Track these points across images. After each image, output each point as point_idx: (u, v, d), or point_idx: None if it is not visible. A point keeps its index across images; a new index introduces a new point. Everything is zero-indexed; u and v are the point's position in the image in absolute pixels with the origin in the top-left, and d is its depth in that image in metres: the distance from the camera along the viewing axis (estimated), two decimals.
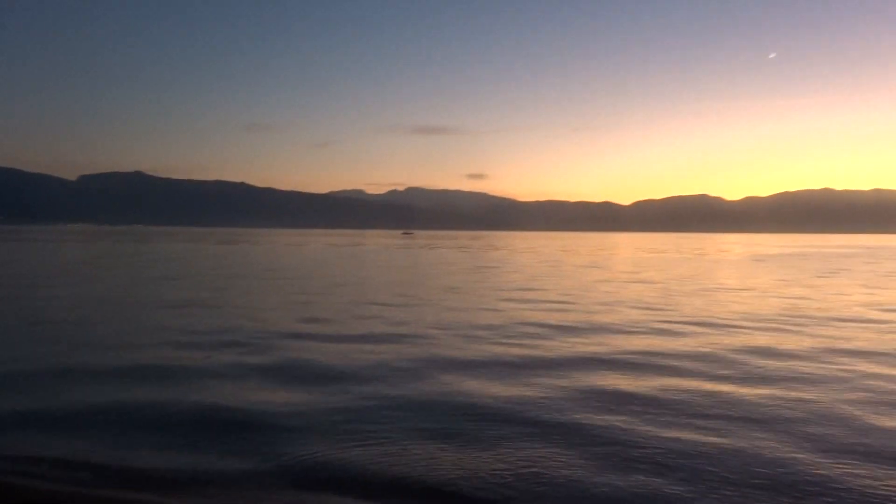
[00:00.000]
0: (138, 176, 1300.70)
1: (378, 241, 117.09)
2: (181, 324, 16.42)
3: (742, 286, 29.70)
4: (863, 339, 15.18)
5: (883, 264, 51.35)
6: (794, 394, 9.97)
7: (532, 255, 63.11)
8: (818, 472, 6.90)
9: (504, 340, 14.47)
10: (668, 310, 20.33)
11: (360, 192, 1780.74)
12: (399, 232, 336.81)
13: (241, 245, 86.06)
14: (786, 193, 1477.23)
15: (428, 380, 10.73)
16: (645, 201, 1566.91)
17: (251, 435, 7.95)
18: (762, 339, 14.89)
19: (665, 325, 17.03)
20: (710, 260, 58.07)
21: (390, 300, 22.11)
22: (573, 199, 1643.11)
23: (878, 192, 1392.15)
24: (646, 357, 12.71)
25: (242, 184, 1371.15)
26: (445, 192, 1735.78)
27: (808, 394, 10.01)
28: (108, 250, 65.92)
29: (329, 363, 11.88)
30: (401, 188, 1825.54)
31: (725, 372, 11.46)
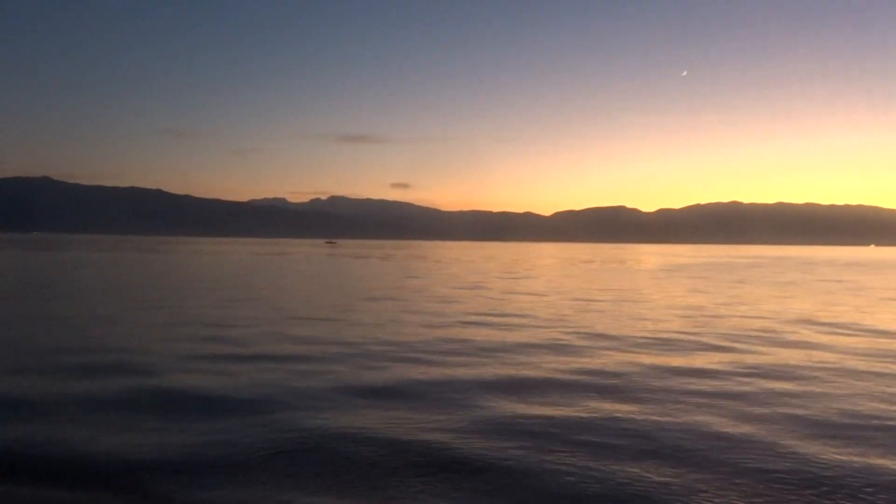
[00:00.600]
0: (46, 181, 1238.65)
1: (300, 251, 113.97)
2: (46, 343, 14.31)
3: (651, 297, 29.52)
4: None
5: (786, 274, 53.00)
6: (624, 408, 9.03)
7: (459, 266, 62.25)
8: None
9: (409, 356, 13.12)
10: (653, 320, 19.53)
11: (283, 200, 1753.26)
12: (322, 241, 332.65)
13: (153, 254, 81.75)
14: (697, 206, 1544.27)
15: (321, 410, 9.21)
16: (565, 212, 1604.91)
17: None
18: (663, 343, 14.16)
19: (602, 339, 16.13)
20: (629, 270, 58.63)
21: (306, 314, 20.45)
22: (496, 209, 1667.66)
23: (781, 206, 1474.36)
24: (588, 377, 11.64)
25: (158, 191, 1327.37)
26: (369, 201, 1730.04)
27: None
28: None
29: (213, 389, 10.24)
30: (324, 197, 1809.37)
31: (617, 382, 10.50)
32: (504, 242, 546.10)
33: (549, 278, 42.53)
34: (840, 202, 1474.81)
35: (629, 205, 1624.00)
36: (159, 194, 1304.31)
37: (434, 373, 11.89)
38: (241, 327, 17.40)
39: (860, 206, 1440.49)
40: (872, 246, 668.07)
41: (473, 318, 20.11)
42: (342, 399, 9.82)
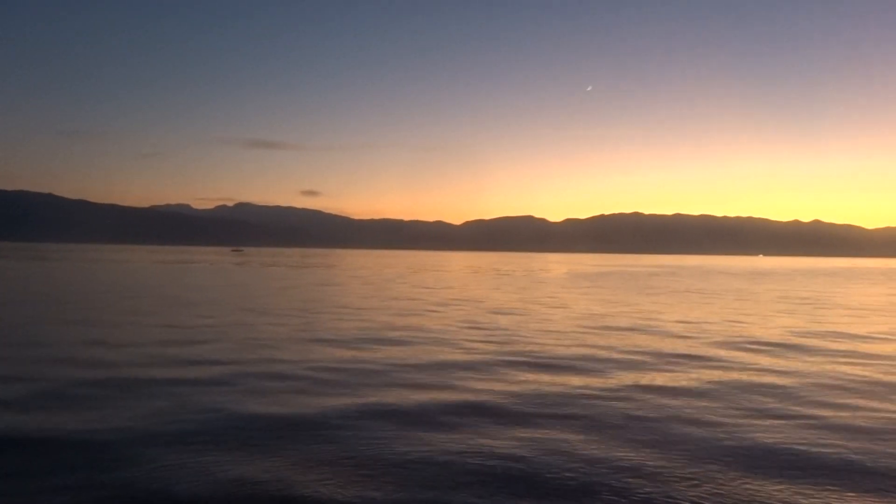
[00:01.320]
0: None
1: (204, 259, 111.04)
2: None
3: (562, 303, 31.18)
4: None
5: (684, 282, 56.45)
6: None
7: (366, 274, 62.65)
8: None
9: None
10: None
11: (187, 206, 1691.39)
12: (228, 249, 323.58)
13: (37, 262, 77.76)
14: (602, 216, 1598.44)
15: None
16: (475, 221, 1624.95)
17: None
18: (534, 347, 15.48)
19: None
20: (538, 279, 60.75)
21: (191, 326, 20.45)
22: (407, 217, 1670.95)
23: (678, 217, 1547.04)
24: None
25: (49, 195, 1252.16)
26: (278, 209, 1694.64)
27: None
28: None
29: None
30: (230, 203, 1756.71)
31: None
32: (415, 251, 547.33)
33: (469, 287, 43.71)
34: (732, 214, 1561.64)
35: (537, 214, 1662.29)
36: (50, 198, 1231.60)
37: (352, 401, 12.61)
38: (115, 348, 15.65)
39: (750, 219, 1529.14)
40: (761, 256, 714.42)
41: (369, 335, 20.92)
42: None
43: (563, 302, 31.89)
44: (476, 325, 21.35)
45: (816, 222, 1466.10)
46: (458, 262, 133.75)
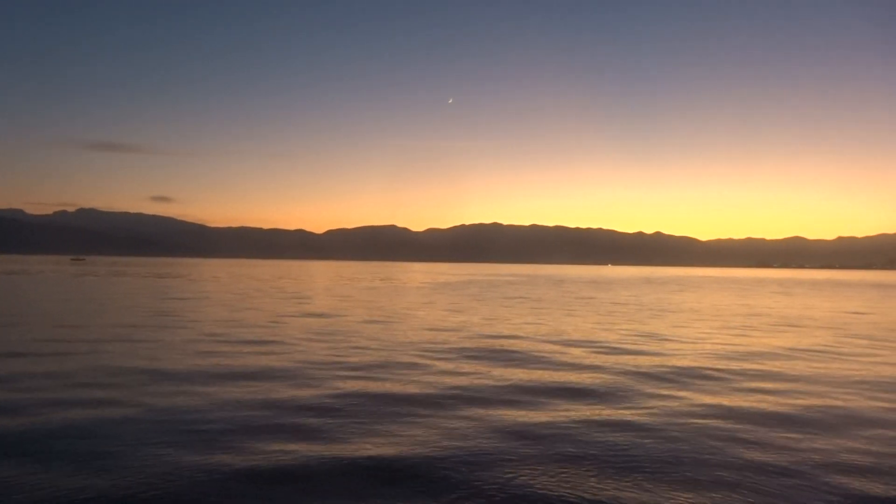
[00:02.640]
0: None
1: (37, 269, 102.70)
2: None
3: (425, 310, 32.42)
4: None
5: (521, 289, 59.75)
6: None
7: (215, 284, 61.01)
8: None
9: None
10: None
11: (20, 211, 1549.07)
12: (69, 258, 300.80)
13: None
14: (462, 226, 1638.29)
15: None
16: (338, 230, 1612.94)
17: None
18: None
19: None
20: (399, 287, 61.81)
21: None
22: (267, 226, 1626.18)
23: (535, 227, 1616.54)
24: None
25: None
26: (126, 215, 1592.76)
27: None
28: None
29: None
30: (71, 209, 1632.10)
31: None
32: (276, 261, 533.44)
33: (327, 296, 43.93)
34: (584, 226, 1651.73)
35: (400, 224, 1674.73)
36: None
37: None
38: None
39: (599, 230, 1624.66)
40: (609, 265, 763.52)
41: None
42: None
43: (459, 310, 33.11)
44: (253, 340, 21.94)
45: (658, 234, 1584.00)
46: (316, 271, 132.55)
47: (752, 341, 22.01)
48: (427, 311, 32.71)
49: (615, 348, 19.46)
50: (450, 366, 15.67)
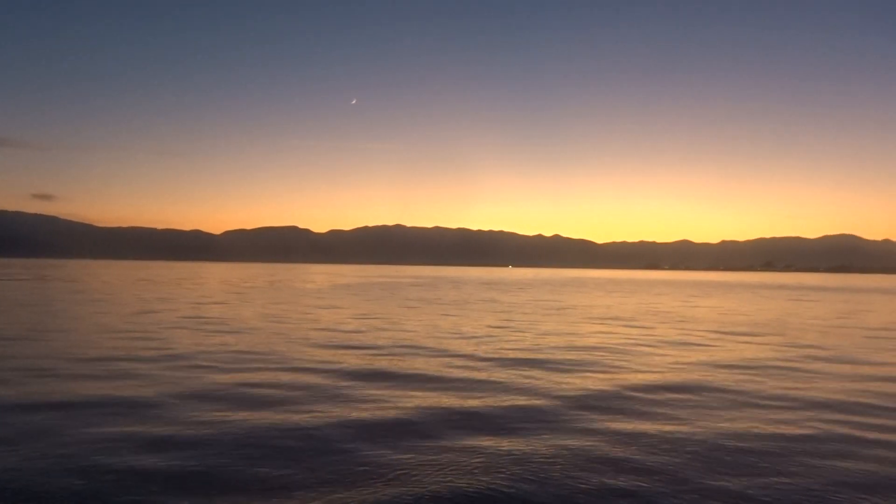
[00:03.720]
0: None
1: None
2: None
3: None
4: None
5: (414, 292, 61.12)
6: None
7: (81, 286, 58.82)
8: None
9: None
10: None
11: None
12: None
13: None
14: (365, 227, 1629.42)
15: None
16: (236, 231, 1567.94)
17: None
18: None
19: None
20: (300, 289, 61.55)
21: None
22: (161, 226, 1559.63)
23: (438, 230, 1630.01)
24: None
25: None
26: (4, 214, 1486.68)
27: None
28: None
29: None
30: None
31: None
32: (171, 262, 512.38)
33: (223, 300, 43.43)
34: (486, 228, 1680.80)
35: (301, 225, 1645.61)
36: None
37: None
38: None
39: (501, 232, 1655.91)
40: (510, 267, 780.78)
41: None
42: None
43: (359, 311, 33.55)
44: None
45: (557, 237, 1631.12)
46: (206, 273, 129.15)
47: (576, 332, 24.00)
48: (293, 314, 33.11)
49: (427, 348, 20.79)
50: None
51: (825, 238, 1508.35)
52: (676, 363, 17.41)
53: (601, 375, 15.23)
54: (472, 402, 12.00)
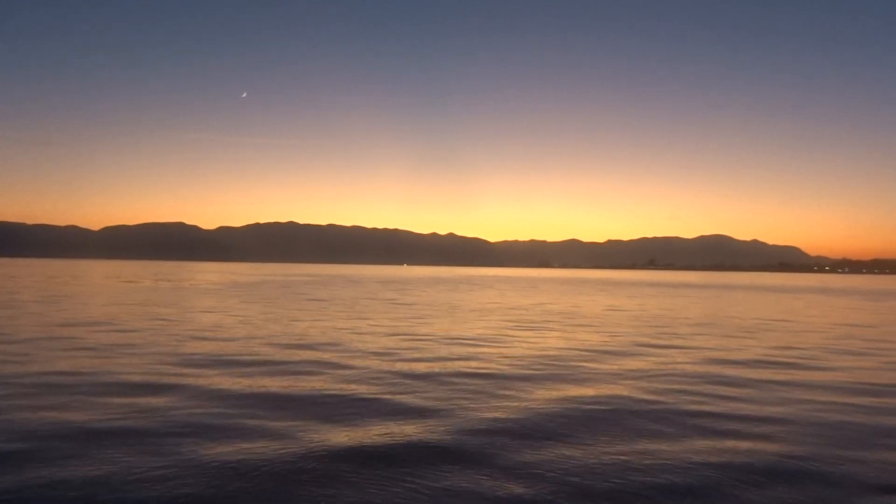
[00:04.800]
0: None
1: None
2: None
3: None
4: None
5: (334, 289, 59.56)
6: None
7: None
8: None
9: None
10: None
11: None
12: None
13: None
14: (257, 224, 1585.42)
15: None
16: (117, 227, 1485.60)
17: None
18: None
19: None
20: (177, 289, 58.29)
21: None
22: (31, 221, 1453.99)
23: (332, 227, 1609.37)
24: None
25: None
26: None
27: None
28: None
29: None
30: None
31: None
32: (42, 259, 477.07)
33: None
34: (381, 226, 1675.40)
35: (189, 221, 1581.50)
36: None
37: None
38: None
39: (396, 231, 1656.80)
40: (405, 265, 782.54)
41: None
42: None
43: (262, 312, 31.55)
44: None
45: (451, 235, 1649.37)
46: (76, 272, 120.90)
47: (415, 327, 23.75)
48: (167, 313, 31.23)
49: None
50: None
51: (701, 238, 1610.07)
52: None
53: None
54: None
